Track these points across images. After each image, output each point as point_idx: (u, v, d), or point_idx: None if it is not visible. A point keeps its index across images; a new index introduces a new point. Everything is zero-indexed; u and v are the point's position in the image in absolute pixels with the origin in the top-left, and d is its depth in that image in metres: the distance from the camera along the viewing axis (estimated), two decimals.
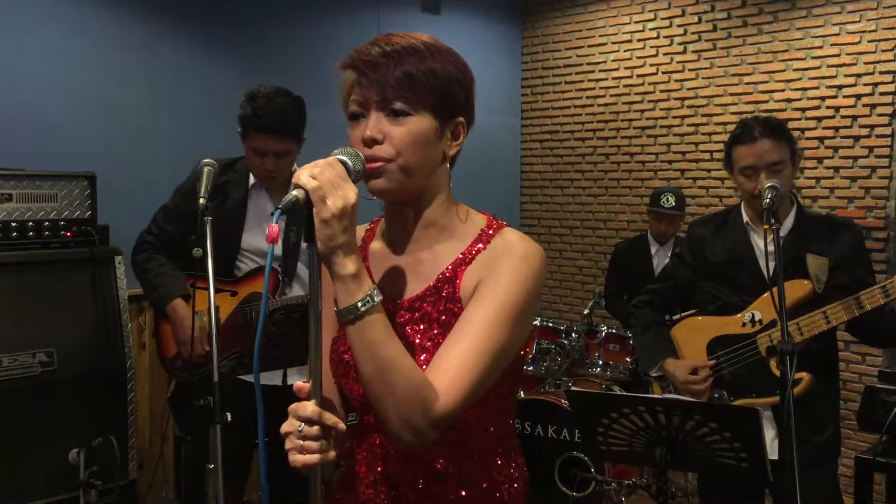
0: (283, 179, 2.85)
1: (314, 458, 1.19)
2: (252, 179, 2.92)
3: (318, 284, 1.22)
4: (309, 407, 1.20)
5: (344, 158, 1.22)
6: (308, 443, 1.19)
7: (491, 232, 1.37)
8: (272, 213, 1.15)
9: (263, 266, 2.91)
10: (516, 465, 1.44)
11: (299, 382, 1.23)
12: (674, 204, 4.47)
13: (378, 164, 1.28)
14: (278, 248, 1.14)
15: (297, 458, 1.20)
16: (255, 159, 2.81)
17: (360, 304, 1.18)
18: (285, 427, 1.21)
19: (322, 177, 1.16)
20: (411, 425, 1.20)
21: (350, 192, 1.17)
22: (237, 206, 2.90)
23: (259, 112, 2.71)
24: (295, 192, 1.15)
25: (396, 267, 1.40)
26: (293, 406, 1.22)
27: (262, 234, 2.89)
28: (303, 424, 1.20)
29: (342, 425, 1.23)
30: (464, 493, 1.37)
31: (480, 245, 1.36)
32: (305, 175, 1.16)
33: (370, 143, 1.27)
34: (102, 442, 2.91)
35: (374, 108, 1.29)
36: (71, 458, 2.89)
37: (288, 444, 1.21)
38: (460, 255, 1.35)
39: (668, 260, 4.38)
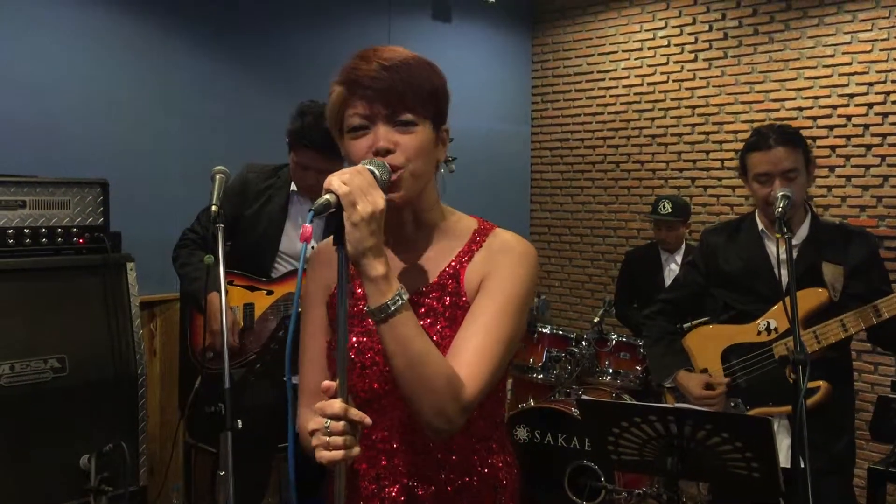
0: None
1: (340, 453, 1.23)
2: (294, 186, 3.05)
3: (345, 287, 1.27)
4: (336, 404, 1.24)
5: (372, 168, 1.29)
6: (334, 438, 1.23)
7: (484, 232, 1.48)
8: (308, 212, 1.20)
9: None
10: (509, 451, 1.54)
11: (326, 382, 1.27)
12: (670, 210, 4.47)
13: (395, 175, 1.34)
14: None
15: (323, 455, 1.23)
16: (298, 172, 2.94)
17: (390, 304, 1.25)
18: (312, 425, 1.25)
19: (352, 183, 1.23)
20: (444, 413, 1.28)
21: (378, 198, 1.24)
22: (278, 211, 3.05)
23: (308, 130, 2.82)
24: (327, 196, 1.22)
25: (395, 265, 1.45)
26: (319, 404, 1.25)
27: (298, 239, 3.01)
28: (329, 421, 1.23)
29: (368, 420, 1.26)
30: (466, 479, 1.45)
31: (475, 244, 1.46)
32: (337, 181, 1.23)
33: (384, 152, 1.34)
34: (113, 448, 2.92)
35: (382, 121, 1.35)
36: (82, 463, 2.90)
37: (314, 441, 1.24)
38: (459, 253, 1.45)
39: (677, 268, 4.38)
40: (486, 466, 1.47)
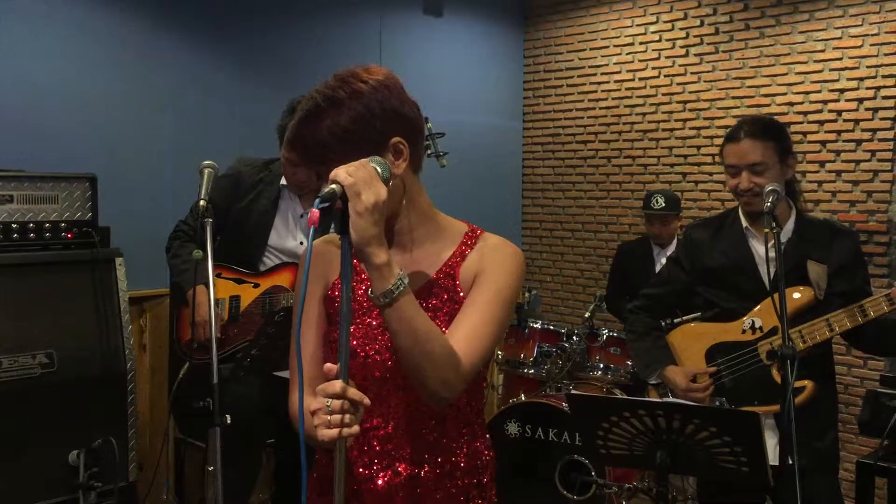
0: (315, 187, 3.00)
1: (342, 430, 1.28)
2: (284, 181, 3.05)
3: (349, 272, 1.33)
4: (337, 384, 1.29)
5: (375, 165, 1.36)
6: (335, 417, 1.28)
7: (474, 236, 1.61)
8: (315, 200, 1.26)
9: (287, 262, 3.05)
10: (486, 437, 1.68)
11: (329, 364, 1.32)
12: (663, 205, 4.48)
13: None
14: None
15: (324, 433, 1.28)
16: (289, 168, 2.95)
17: (393, 288, 1.34)
18: (314, 405, 1.30)
19: (357, 174, 1.30)
20: (447, 383, 1.41)
21: (381, 190, 1.32)
22: (268, 206, 3.05)
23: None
24: (333, 186, 1.29)
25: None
26: (321, 386, 1.30)
27: (288, 234, 3.08)
28: (331, 401, 1.28)
29: (367, 400, 1.32)
30: (454, 459, 1.58)
31: (466, 247, 1.59)
32: (343, 172, 1.31)
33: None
34: (102, 444, 2.91)
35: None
36: (71, 459, 2.89)
37: (316, 421, 1.29)
38: (453, 254, 1.58)
39: None
40: (470, 448, 1.61)
